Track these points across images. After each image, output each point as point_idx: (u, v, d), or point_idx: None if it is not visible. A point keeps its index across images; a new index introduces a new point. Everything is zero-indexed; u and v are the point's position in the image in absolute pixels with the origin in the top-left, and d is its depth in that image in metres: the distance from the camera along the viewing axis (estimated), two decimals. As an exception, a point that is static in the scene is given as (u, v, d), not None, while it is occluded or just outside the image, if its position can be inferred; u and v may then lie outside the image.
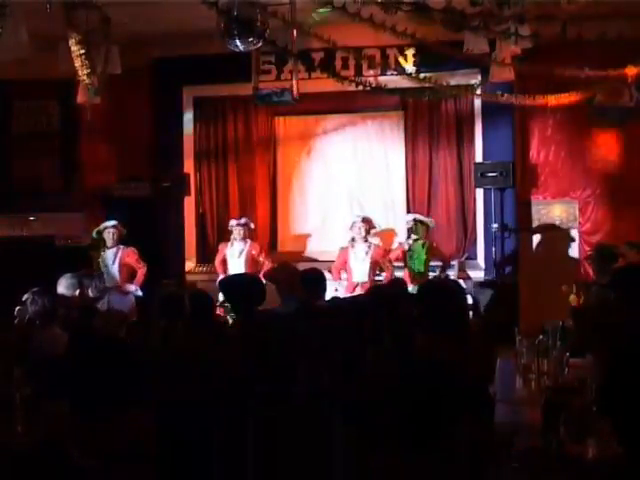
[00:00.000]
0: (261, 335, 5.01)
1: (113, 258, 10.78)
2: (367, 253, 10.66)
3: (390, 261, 10.84)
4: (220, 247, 11.62)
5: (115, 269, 10.75)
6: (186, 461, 4.76)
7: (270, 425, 4.06)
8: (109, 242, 10.84)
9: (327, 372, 4.40)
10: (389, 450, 3.82)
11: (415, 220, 11.06)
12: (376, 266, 10.77)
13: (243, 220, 11.49)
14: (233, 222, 11.48)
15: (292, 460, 4.03)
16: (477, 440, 4.16)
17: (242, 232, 11.30)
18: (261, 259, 11.25)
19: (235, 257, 11.26)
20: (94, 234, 10.98)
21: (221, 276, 10.81)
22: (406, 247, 10.80)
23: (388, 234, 12.15)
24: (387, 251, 11.09)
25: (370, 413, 3.97)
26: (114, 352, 5.19)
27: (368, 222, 10.81)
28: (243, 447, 4.11)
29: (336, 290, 10.06)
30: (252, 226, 11.64)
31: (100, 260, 10.82)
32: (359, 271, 10.62)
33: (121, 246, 10.87)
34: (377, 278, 10.74)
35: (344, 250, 10.88)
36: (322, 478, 4.01)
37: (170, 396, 4.96)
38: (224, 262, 11.39)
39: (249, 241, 11.38)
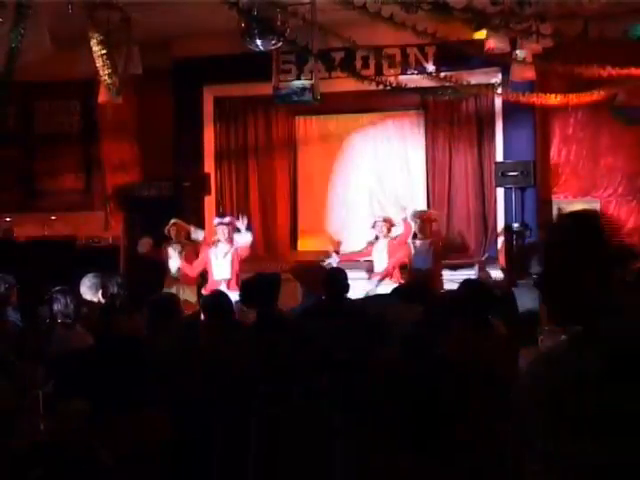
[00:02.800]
0: (273, 335, 5.03)
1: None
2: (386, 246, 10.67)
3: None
4: (201, 252, 10.53)
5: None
6: (190, 458, 4.77)
7: (272, 424, 4.06)
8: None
9: (330, 371, 4.40)
10: (390, 449, 3.82)
11: (418, 215, 10.73)
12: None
13: (227, 219, 10.59)
14: (216, 220, 10.66)
15: (293, 458, 4.03)
16: (496, 440, 4.15)
17: (227, 232, 10.22)
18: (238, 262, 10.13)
19: (220, 258, 10.18)
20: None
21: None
22: (412, 249, 10.64)
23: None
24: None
25: (373, 412, 3.98)
26: (131, 352, 5.22)
27: (389, 221, 10.76)
28: (245, 445, 4.12)
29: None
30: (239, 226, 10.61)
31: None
32: (379, 261, 10.63)
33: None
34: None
35: (370, 245, 10.94)
36: (323, 477, 4.02)
37: (178, 395, 4.98)
38: (205, 266, 10.35)
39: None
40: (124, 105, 9.80)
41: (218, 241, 10.36)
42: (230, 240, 10.28)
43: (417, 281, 8.73)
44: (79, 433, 4.41)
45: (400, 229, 10.68)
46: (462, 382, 4.23)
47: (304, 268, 7.74)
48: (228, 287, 9.20)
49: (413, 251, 10.61)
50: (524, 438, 2.29)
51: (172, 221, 10.75)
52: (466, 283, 5.70)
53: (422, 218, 10.69)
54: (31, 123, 13.21)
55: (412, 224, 10.62)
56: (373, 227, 10.86)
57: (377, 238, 10.80)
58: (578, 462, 2.09)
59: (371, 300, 8.16)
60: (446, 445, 3.99)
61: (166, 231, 10.71)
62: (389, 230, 10.73)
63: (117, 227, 12.73)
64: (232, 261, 10.18)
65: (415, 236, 10.68)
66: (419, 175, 12.69)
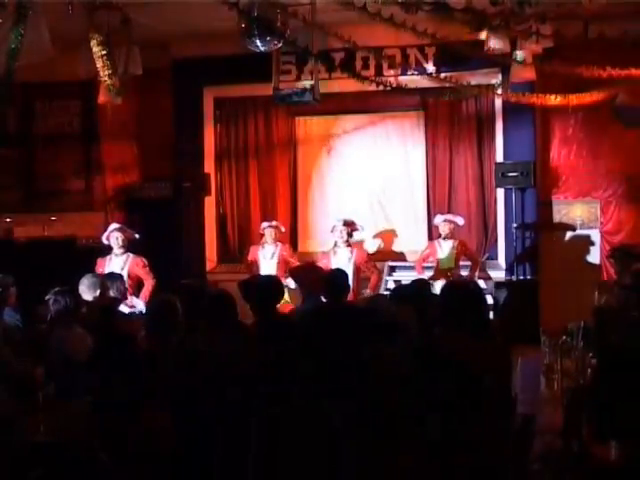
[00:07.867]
0: (273, 335, 5.03)
1: (122, 266, 9.60)
2: (350, 259, 10.36)
3: (375, 266, 10.72)
4: (251, 249, 11.37)
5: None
6: (190, 458, 4.77)
7: (272, 424, 4.06)
8: (116, 248, 9.76)
9: (330, 371, 4.40)
10: (393, 450, 3.82)
11: (446, 221, 10.97)
12: (359, 271, 10.46)
13: (274, 222, 11.33)
14: (265, 224, 11.29)
15: (294, 459, 4.03)
16: (493, 439, 4.15)
17: (273, 234, 11.08)
18: (292, 260, 10.90)
19: (267, 259, 11.01)
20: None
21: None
22: (438, 249, 10.81)
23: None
24: (369, 255, 10.93)
25: (375, 413, 3.97)
26: (131, 352, 5.22)
27: (350, 225, 10.65)
28: (245, 445, 4.11)
29: None
30: (282, 229, 11.43)
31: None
32: None
33: (130, 254, 9.82)
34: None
35: (326, 255, 10.76)
36: (324, 477, 4.01)
37: (178, 395, 4.98)
38: (254, 263, 11.14)
39: (280, 244, 11.16)
40: (124, 105, 9.77)
41: (265, 243, 11.12)
42: (275, 241, 11.09)
43: (415, 282, 8.71)
44: (79, 433, 4.41)
45: (362, 236, 11.17)
46: (460, 382, 4.23)
47: (304, 269, 7.74)
48: None
49: (439, 251, 10.82)
50: None
51: (113, 227, 10.00)
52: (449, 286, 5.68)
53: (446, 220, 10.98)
54: (31, 123, 13.21)
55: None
56: (332, 232, 10.71)
57: (336, 245, 10.65)
58: None
59: (370, 301, 8.15)
60: (446, 445, 3.99)
61: (105, 238, 9.92)
62: (350, 235, 10.59)
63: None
64: (279, 262, 10.94)
65: (439, 236, 11.03)
66: (419, 175, 12.66)
